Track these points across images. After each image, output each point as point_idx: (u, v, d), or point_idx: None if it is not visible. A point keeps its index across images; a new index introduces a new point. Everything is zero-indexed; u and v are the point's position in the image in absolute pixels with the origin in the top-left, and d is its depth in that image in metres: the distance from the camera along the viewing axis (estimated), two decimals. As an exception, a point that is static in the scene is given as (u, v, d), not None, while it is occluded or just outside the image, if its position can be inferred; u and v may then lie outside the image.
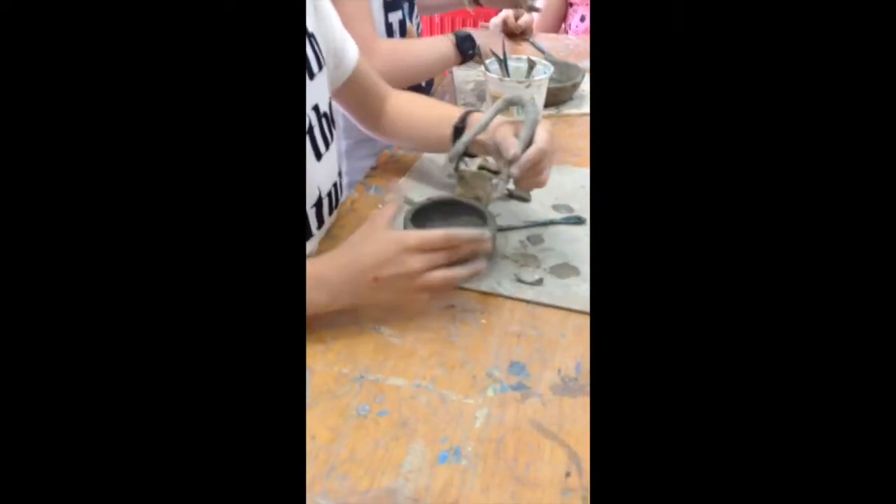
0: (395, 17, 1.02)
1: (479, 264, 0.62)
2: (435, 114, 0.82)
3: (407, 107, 0.85)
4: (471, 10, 1.29)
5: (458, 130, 0.78)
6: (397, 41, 1.01)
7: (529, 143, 0.67)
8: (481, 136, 0.72)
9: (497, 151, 0.70)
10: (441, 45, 1.02)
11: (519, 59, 0.96)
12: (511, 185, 0.69)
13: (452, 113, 0.80)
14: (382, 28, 1.00)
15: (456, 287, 0.64)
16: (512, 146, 0.67)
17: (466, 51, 1.02)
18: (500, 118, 0.73)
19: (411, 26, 1.07)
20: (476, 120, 0.76)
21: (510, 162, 0.66)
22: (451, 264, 0.60)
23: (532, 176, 0.68)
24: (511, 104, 0.70)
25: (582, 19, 1.65)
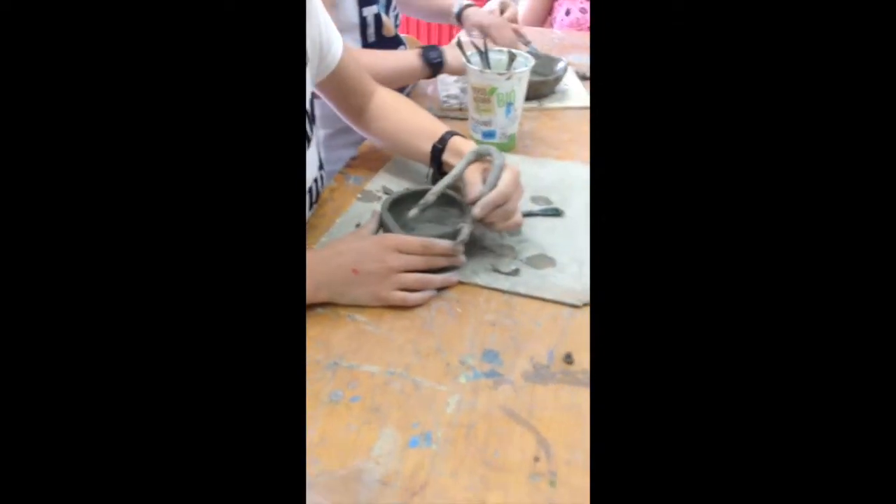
0: (369, 11, 1.01)
1: (453, 277, 0.67)
2: (418, 126, 0.83)
3: (391, 110, 0.86)
4: (457, 25, 1.29)
5: (437, 150, 0.80)
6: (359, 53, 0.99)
7: (495, 186, 0.69)
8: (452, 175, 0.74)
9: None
10: (404, 58, 0.99)
11: (500, 52, 0.96)
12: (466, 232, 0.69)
13: (435, 130, 0.81)
14: (357, 21, 0.99)
15: (426, 295, 0.65)
16: (475, 189, 0.69)
17: (432, 59, 0.99)
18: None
19: (388, 19, 1.05)
20: (456, 144, 0.78)
21: (472, 203, 0.68)
22: (426, 271, 0.66)
23: (502, 219, 0.70)
24: (479, 155, 0.72)
25: (567, 13, 1.65)
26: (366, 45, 1.02)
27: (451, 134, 0.79)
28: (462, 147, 0.78)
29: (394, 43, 1.09)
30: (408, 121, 0.84)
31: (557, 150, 0.96)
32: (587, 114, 1.09)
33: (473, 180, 0.70)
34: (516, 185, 0.70)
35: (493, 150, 0.72)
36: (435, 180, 0.84)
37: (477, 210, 0.67)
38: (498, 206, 0.68)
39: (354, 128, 0.88)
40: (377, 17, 1.02)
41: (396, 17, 1.11)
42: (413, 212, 0.70)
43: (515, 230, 0.73)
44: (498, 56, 0.96)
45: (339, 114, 0.87)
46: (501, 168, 0.69)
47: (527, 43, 1.21)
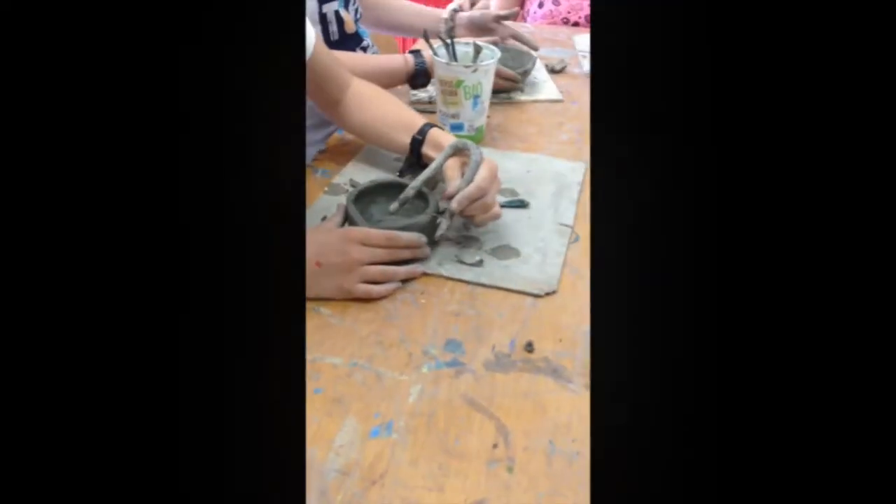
0: (329, 7, 1.01)
1: (417, 268, 0.68)
2: (396, 117, 0.84)
3: (368, 101, 0.86)
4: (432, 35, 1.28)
5: (416, 142, 0.80)
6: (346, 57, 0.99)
7: (472, 181, 0.70)
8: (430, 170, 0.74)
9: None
10: (390, 62, 1.01)
11: (466, 44, 0.97)
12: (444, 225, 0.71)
13: (413, 122, 0.81)
14: (317, 18, 0.99)
15: (391, 287, 0.66)
16: (453, 184, 0.70)
17: (419, 70, 1.01)
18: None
19: (347, 15, 1.05)
20: (435, 136, 0.79)
21: (449, 198, 0.70)
22: (390, 263, 0.66)
23: (480, 212, 0.71)
24: (458, 149, 0.74)
25: (540, 5, 1.66)
26: (328, 42, 1.02)
27: (429, 126, 0.80)
28: (441, 139, 0.79)
29: (356, 39, 1.09)
30: (386, 113, 0.85)
31: (524, 143, 0.97)
32: (555, 107, 1.10)
33: (452, 175, 0.72)
34: (493, 179, 0.71)
35: (471, 144, 0.73)
36: (403, 174, 0.84)
37: (454, 204, 0.69)
38: (475, 200, 0.69)
39: (331, 120, 0.88)
40: (337, 14, 1.02)
41: (357, 11, 1.10)
42: (394, 206, 0.72)
43: (494, 220, 0.74)
44: (464, 49, 0.96)
45: (314, 105, 0.87)
46: (479, 163, 0.71)
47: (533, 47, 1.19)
